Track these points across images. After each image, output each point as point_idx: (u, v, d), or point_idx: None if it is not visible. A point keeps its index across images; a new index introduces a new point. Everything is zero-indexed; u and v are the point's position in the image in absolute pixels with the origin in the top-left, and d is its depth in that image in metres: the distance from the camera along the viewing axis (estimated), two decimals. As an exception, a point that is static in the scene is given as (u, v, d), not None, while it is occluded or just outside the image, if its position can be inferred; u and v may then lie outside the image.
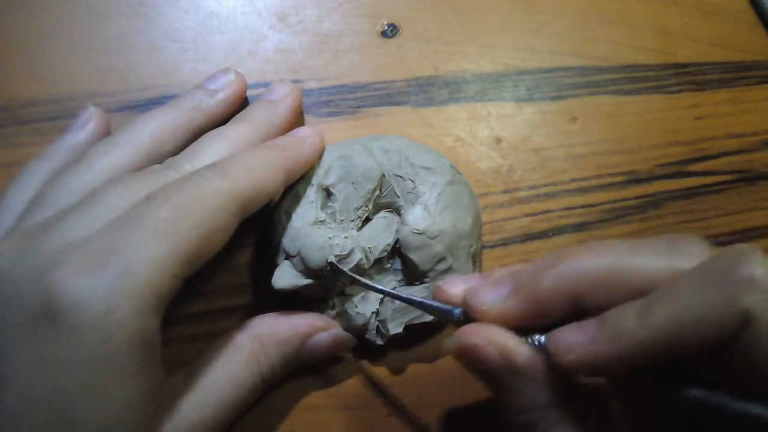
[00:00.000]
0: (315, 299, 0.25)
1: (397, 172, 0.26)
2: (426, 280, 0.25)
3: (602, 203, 0.31)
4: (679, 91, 0.34)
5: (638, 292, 0.17)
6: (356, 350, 0.27)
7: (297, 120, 0.28)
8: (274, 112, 0.26)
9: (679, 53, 0.34)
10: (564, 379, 0.18)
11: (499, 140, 0.31)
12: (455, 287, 0.21)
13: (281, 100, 0.26)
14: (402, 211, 0.25)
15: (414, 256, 0.24)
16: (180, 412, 0.20)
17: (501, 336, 0.19)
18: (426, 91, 0.31)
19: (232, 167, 0.21)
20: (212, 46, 0.30)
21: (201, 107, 0.25)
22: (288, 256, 0.24)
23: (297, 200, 0.25)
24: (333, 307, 0.25)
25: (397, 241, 0.25)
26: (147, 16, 0.30)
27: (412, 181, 0.25)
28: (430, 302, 0.22)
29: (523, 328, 0.19)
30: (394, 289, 0.25)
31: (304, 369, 0.25)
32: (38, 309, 0.17)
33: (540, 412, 0.18)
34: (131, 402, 0.17)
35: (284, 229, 0.25)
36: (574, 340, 0.17)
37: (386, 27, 0.32)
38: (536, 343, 0.19)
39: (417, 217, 0.24)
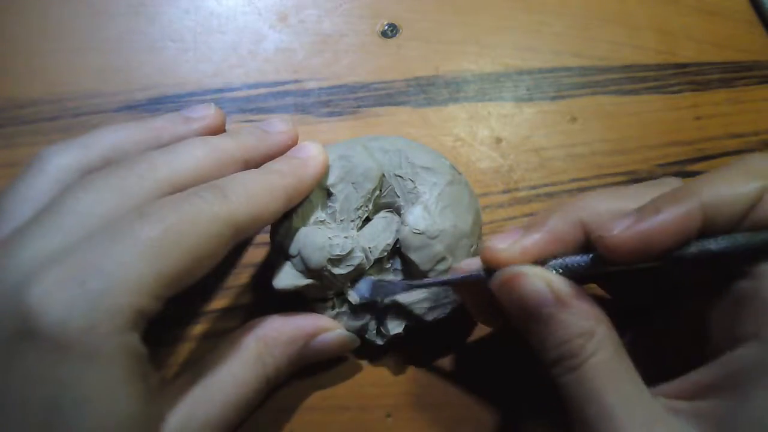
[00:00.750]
0: (315, 299, 0.25)
1: (397, 172, 0.26)
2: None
3: (602, 203, 0.31)
4: (679, 91, 0.34)
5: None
6: (356, 350, 0.27)
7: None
8: (264, 139, 0.24)
9: (679, 53, 0.34)
10: (600, 305, 0.19)
11: (499, 140, 0.31)
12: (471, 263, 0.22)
13: (276, 133, 0.25)
14: (402, 211, 0.25)
15: (414, 256, 0.24)
16: (186, 412, 0.20)
17: (540, 269, 0.20)
18: (426, 91, 0.31)
19: (233, 192, 0.20)
20: (212, 46, 0.30)
21: (172, 130, 0.23)
22: (288, 257, 0.24)
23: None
24: (333, 307, 0.25)
25: (397, 241, 0.25)
26: (147, 16, 0.30)
27: (412, 181, 0.25)
28: (455, 276, 0.23)
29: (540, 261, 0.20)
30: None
31: (307, 369, 0.25)
32: (19, 327, 0.16)
33: (581, 339, 0.19)
34: (125, 412, 0.17)
35: (284, 229, 0.25)
36: (622, 224, 0.19)
37: (386, 27, 0.32)
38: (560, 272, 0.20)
39: (417, 217, 0.24)
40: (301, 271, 0.24)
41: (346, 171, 0.25)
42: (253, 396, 0.22)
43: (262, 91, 0.29)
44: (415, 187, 0.25)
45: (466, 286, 0.23)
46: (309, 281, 0.24)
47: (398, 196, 0.25)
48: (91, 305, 0.16)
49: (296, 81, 0.30)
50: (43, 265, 0.17)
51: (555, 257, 0.20)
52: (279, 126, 0.25)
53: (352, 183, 0.25)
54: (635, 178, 0.32)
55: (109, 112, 0.28)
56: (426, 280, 0.24)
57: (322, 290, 0.24)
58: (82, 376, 0.16)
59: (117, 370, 0.17)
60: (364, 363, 0.27)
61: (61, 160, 0.21)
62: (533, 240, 0.20)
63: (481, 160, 0.30)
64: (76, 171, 0.21)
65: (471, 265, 0.22)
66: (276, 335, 0.23)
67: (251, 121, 0.29)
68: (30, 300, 0.16)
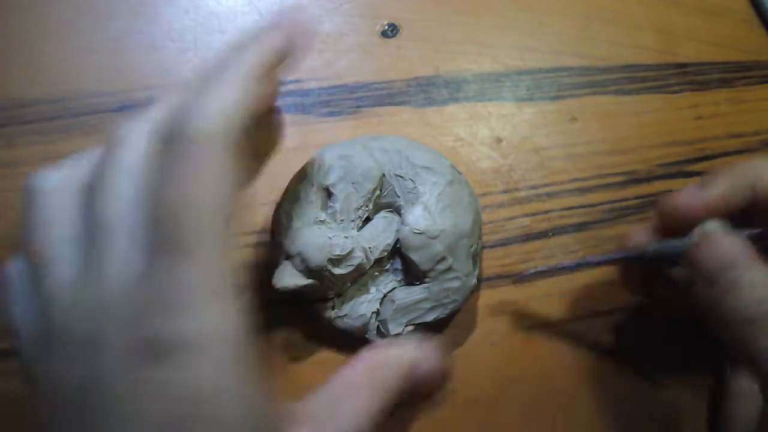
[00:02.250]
0: (315, 299, 0.25)
1: (397, 172, 0.26)
2: (426, 280, 0.25)
3: (602, 203, 0.31)
4: (679, 91, 0.34)
5: None
6: (357, 351, 0.27)
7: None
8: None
9: (679, 53, 0.34)
10: None
11: (499, 140, 0.31)
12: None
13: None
14: (402, 211, 0.25)
15: (414, 256, 0.24)
16: None
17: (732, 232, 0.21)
18: (426, 91, 0.31)
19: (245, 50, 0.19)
20: (212, 46, 0.30)
21: None
22: (288, 256, 0.24)
23: (297, 200, 0.25)
24: (333, 308, 0.25)
25: (397, 240, 0.25)
26: (147, 15, 0.30)
27: (412, 181, 0.25)
28: (652, 247, 0.23)
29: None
30: (393, 289, 0.25)
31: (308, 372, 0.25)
32: (137, 352, 0.16)
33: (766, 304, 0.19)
34: (245, 417, 0.17)
35: (285, 228, 0.25)
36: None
37: (386, 27, 0.32)
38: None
39: (417, 217, 0.24)
40: (301, 271, 0.24)
41: (346, 171, 0.25)
42: (370, 427, 0.21)
43: (262, 91, 0.29)
44: (416, 186, 0.25)
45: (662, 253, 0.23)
46: (309, 281, 0.24)
47: (398, 196, 0.25)
48: (196, 314, 0.16)
49: (296, 81, 0.30)
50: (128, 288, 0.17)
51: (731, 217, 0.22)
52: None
53: (353, 183, 0.25)
54: (635, 178, 0.32)
55: (109, 112, 0.28)
56: (602, 257, 0.24)
57: (323, 290, 0.24)
58: (196, 385, 0.16)
59: (226, 377, 0.17)
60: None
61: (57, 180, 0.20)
62: (713, 195, 0.22)
63: (481, 160, 0.30)
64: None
65: (639, 233, 0.24)
66: (383, 366, 0.22)
67: (251, 121, 0.29)
68: (153, 325, 0.16)
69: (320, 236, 0.24)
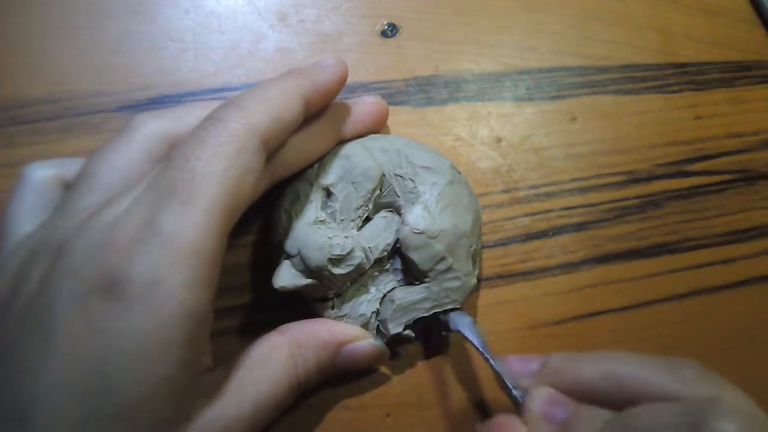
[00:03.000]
0: (315, 299, 0.25)
1: (397, 172, 0.26)
2: (426, 279, 0.25)
3: (602, 203, 0.31)
4: (679, 91, 0.34)
5: (628, 399, 0.19)
6: None
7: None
8: (317, 73, 0.24)
9: (679, 53, 0.34)
10: None
11: (499, 140, 0.31)
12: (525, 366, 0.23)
13: (329, 66, 0.24)
14: (402, 211, 0.25)
15: (414, 256, 0.24)
16: (219, 404, 0.20)
17: None
18: (426, 90, 0.31)
19: (246, 102, 0.20)
20: (212, 46, 0.30)
21: None
22: (288, 256, 0.24)
23: (297, 200, 0.25)
24: (333, 307, 0.25)
25: (397, 240, 0.25)
26: (147, 15, 0.30)
27: (412, 180, 0.25)
28: (503, 372, 0.23)
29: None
30: (393, 289, 0.25)
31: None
32: (92, 284, 0.17)
33: None
34: (172, 376, 0.18)
35: (284, 228, 0.25)
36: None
37: (386, 27, 0.32)
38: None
39: (417, 217, 0.24)
40: (301, 271, 0.24)
41: (346, 170, 0.25)
42: (283, 395, 0.22)
43: (262, 90, 0.29)
44: (415, 186, 0.25)
45: (501, 382, 0.23)
46: (309, 281, 0.24)
47: (398, 196, 0.25)
48: (156, 261, 0.17)
49: (296, 81, 0.30)
50: (115, 228, 0.18)
51: None
52: (330, 61, 0.25)
53: (352, 182, 0.25)
54: (635, 178, 0.32)
55: (109, 112, 0.28)
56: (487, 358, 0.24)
57: (322, 290, 0.24)
58: (140, 333, 0.17)
59: (174, 335, 0.17)
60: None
61: (151, 130, 0.22)
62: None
63: (481, 160, 0.30)
64: (165, 141, 0.22)
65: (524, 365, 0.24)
66: (309, 338, 0.23)
67: (251, 120, 0.29)
68: (104, 260, 0.17)
69: (320, 236, 0.24)
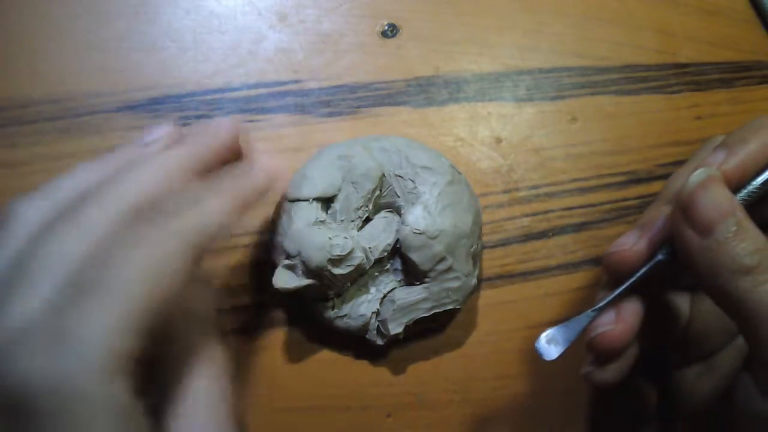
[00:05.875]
0: (315, 299, 0.25)
1: (397, 172, 0.26)
2: (426, 279, 0.25)
3: (602, 203, 0.31)
4: (679, 91, 0.34)
5: None
6: (357, 351, 0.27)
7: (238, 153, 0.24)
8: (209, 143, 0.22)
9: (679, 53, 0.34)
10: None
11: (499, 140, 0.31)
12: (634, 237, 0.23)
13: (222, 134, 0.23)
14: (402, 211, 0.25)
15: (414, 256, 0.24)
16: None
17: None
18: (426, 91, 0.31)
19: (183, 217, 0.19)
20: (212, 46, 0.30)
21: (131, 161, 0.22)
22: (288, 256, 0.24)
23: (297, 200, 0.25)
24: (333, 307, 0.25)
25: (397, 241, 0.25)
26: (147, 16, 0.30)
27: (412, 181, 0.25)
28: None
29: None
30: (393, 289, 0.26)
31: (310, 367, 0.25)
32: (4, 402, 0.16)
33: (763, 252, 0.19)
34: None
35: (285, 229, 0.25)
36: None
37: (386, 27, 0.32)
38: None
39: (417, 217, 0.24)
40: (301, 271, 0.24)
41: (346, 171, 0.25)
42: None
43: (262, 91, 0.29)
44: (416, 187, 0.25)
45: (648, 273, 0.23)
46: (309, 281, 0.24)
47: (398, 196, 0.25)
48: (68, 366, 0.16)
49: (296, 81, 0.30)
50: (20, 335, 0.16)
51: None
52: (224, 125, 0.23)
53: (353, 183, 0.25)
54: (635, 178, 0.32)
55: (109, 112, 0.28)
56: (615, 294, 0.23)
57: (322, 290, 0.24)
58: None
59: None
60: (364, 363, 0.27)
61: (29, 216, 0.20)
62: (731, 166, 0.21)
63: (481, 160, 0.30)
64: (45, 224, 0.19)
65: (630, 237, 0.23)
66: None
67: (251, 121, 0.29)
68: (8, 374, 0.16)
69: (320, 236, 0.24)
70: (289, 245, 0.24)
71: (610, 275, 0.23)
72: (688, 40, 0.35)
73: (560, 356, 0.23)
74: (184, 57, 0.29)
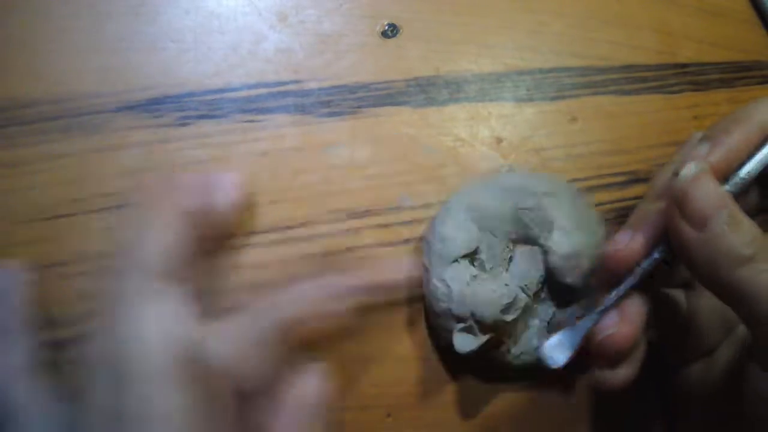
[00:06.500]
0: (489, 348, 0.26)
1: (523, 206, 0.26)
2: (580, 296, 0.26)
3: (602, 203, 0.31)
4: (679, 91, 0.34)
5: None
6: (539, 381, 0.28)
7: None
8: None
9: (679, 53, 0.34)
10: None
11: (499, 140, 0.31)
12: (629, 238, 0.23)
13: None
14: (540, 241, 0.26)
15: (570, 280, 0.25)
16: None
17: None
18: (426, 91, 0.31)
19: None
20: (212, 46, 0.30)
21: None
22: (460, 320, 0.25)
23: (446, 265, 0.25)
24: (510, 351, 0.26)
25: (545, 270, 0.26)
26: (147, 16, 0.30)
27: (540, 210, 0.26)
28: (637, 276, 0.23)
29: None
30: (554, 315, 0.26)
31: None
32: None
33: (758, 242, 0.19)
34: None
35: (446, 295, 0.25)
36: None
37: (386, 27, 0.32)
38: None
39: (560, 243, 0.25)
40: (478, 330, 0.24)
41: (478, 220, 0.26)
42: None
43: (262, 91, 0.29)
44: (546, 214, 0.26)
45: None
46: (488, 336, 0.24)
47: (531, 228, 0.26)
48: None
49: (296, 81, 0.30)
50: None
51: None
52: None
53: (490, 231, 0.26)
54: (635, 178, 0.32)
55: (109, 112, 0.28)
56: (617, 295, 0.23)
57: (497, 339, 0.25)
58: None
59: None
60: (364, 363, 0.27)
61: None
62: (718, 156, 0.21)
63: (482, 161, 0.30)
64: None
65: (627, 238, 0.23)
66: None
67: (251, 121, 0.29)
68: None
69: (485, 292, 0.24)
70: (458, 309, 0.24)
71: (610, 275, 0.23)
72: (688, 40, 0.35)
73: (567, 362, 0.23)
74: (184, 57, 0.29)
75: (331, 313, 0.23)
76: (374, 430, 0.26)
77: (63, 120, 0.28)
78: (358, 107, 0.30)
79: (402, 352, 0.27)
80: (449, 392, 0.27)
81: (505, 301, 0.24)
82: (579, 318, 0.24)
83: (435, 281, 0.25)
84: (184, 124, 0.28)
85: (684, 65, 0.34)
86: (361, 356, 0.27)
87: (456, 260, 0.25)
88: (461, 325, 0.24)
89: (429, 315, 0.27)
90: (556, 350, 0.24)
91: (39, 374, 0.21)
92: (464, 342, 0.24)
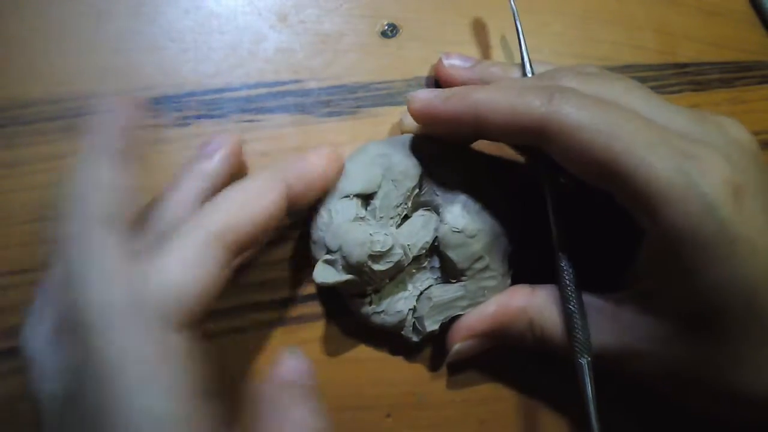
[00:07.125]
0: (353, 294, 0.25)
1: (434, 172, 0.26)
2: (463, 278, 0.25)
3: (602, 203, 0.31)
4: (679, 91, 0.34)
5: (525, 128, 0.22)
6: (392, 348, 0.27)
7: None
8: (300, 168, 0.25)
9: (679, 53, 0.34)
10: None
11: (499, 140, 0.31)
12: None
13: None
14: (441, 210, 0.25)
15: (452, 254, 0.24)
16: None
17: None
18: (426, 91, 0.31)
19: (211, 213, 0.21)
20: (212, 46, 0.30)
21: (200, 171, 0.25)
22: (329, 251, 0.24)
23: (338, 198, 0.25)
24: (371, 303, 0.25)
25: (435, 239, 0.25)
26: (147, 16, 0.30)
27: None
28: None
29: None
30: (430, 287, 0.26)
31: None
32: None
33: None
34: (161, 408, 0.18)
35: (325, 224, 0.25)
36: (422, 95, 0.24)
37: (386, 27, 0.32)
38: None
39: (456, 216, 0.25)
40: (341, 266, 0.24)
41: (386, 168, 0.25)
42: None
43: (262, 91, 0.29)
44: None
45: None
46: (348, 277, 0.24)
47: (437, 195, 0.26)
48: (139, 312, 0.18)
49: (296, 81, 0.30)
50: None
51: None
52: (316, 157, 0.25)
53: (392, 180, 0.25)
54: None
55: (109, 112, 0.28)
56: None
57: (361, 286, 0.25)
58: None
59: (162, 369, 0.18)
60: (364, 362, 0.27)
61: None
62: (444, 108, 0.24)
63: (481, 160, 0.30)
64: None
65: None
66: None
67: (251, 121, 0.29)
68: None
69: (361, 232, 0.24)
70: (330, 240, 0.24)
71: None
72: (688, 40, 0.35)
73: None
74: (184, 57, 0.29)
75: (262, 212, 0.22)
76: (374, 430, 0.26)
77: (63, 120, 0.28)
78: (358, 107, 0.30)
79: (402, 352, 0.27)
80: (449, 392, 0.27)
81: (378, 248, 0.23)
82: (455, 300, 0.25)
83: (322, 210, 0.25)
84: (183, 124, 0.28)
85: (684, 65, 0.34)
86: (361, 356, 0.27)
87: (349, 196, 0.25)
88: (328, 256, 0.24)
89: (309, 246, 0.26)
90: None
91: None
92: (324, 273, 0.24)
